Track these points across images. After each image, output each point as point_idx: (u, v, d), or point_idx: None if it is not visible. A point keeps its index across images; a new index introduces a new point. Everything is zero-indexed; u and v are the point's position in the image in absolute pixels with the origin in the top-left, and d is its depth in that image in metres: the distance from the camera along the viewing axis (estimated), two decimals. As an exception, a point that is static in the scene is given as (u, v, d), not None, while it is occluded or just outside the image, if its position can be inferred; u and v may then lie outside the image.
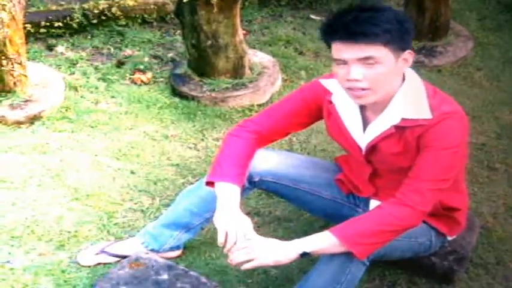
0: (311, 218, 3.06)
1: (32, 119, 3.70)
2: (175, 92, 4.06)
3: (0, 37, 3.55)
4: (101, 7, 4.63)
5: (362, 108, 2.39)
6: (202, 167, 3.42)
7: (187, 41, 3.99)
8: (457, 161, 2.32)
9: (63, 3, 4.76)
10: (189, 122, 3.81)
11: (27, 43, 3.95)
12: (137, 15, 4.75)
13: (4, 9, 3.52)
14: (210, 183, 2.48)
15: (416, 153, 2.31)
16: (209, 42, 3.89)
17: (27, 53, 3.98)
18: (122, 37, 4.64)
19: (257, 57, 4.25)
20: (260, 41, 4.69)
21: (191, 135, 3.71)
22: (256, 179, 2.65)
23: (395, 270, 2.80)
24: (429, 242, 2.59)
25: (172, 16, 4.65)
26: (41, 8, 4.69)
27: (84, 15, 4.60)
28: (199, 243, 2.96)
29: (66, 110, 3.83)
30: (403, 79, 2.30)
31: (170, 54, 4.51)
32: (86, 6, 4.66)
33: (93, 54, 4.47)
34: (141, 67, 4.31)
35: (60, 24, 4.55)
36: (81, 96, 3.99)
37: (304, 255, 2.26)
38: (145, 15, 4.79)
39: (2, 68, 3.65)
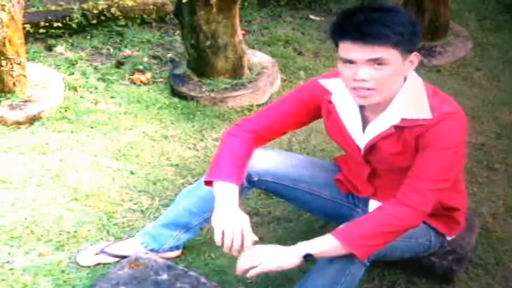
0: (310, 218, 3.07)
1: (32, 119, 3.70)
2: (174, 92, 4.06)
3: (-1, 37, 3.57)
4: (100, 7, 4.63)
5: (362, 108, 2.39)
6: (202, 167, 3.42)
7: (187, 41, 3.99)
8: (457, 161, 2.32)
9: (62, 3, 4.76)
10: (188, 122, 3.82)
11: (26, 43, 3.95)
12: (136, 16, 4.75)
13: (3, 10, 3.52)
14: (208, 183, 2.48)
15: (415, 153, 2.31)
16: (208, 43, 3.89)
17: (27, 53, 3.98)
18: (121, 37, 4.65)
19: (256, 58, 4.25)
20: (259, 41, 4.70)
21: (190, 136, 3.71)
22: (255, 179, 2.65)
23: (395, 270, 2.80)
24: (429, 242, 2.59)
25: (172, 16, 4.65)
26: (40, 8, 4.69)
27: (83, 15, 4.61)
28: (199, 243, 2.96)
29: (66, 110, 3.83)
30: (404, 79, 2.30)
31: (169, 55, 4.51)
32: (85, 6, 4.66)
33: (92, 55, 4.47)
34: (141, 67, 4.31)
35: (60, 24, 4.55)
36: (81, 97, 3.99)
37: (307, 257, 2.26)
38: (145, 16, 4.79)
39: (2, 68, 3.65)
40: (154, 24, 4.84)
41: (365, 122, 2.41)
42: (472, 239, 2.86)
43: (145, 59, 4.43)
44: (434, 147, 2.26)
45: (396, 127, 2.31)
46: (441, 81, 4.18)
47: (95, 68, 4.30)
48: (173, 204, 2.81)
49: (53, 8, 4.69)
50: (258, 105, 3.94)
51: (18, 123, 3.67)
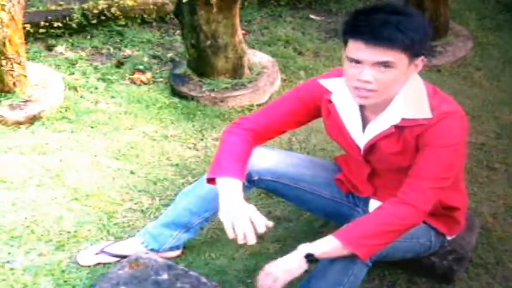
0: (311, 217, 3.07)
1: (32, 119, 3.70)
2: (174, 92, 4.06)
3: (-1, 37, 3.57)
4: (100, 7, 4.63)
5: (362, 107, 2.39)
6: (202, 167, 3.42)
7: (187, 41, 3.99)
8: (457, 160, 2.32)
9: (62, 3, 4.76)
10: (188, 122, 3.82)
11: (26, 43, 3.95)
12: (137, 15, 4.75)
13: (3, 9, 3.52)
14: (210, 181, 2.47)
15: (415, 152, 2.31)
16: (208, 42, 3.89)
17: (27, 53, 3.98)
18: (121, 37, 4.65)
19: (256, 57, 4.25)
20: (259, 41, 4.69)
21: (191, 135, 3.71)
22: (256, 178, 2.65)
23: (395, 270, 2.80)
24: (429, 242, 2.60)
25: (172, 16, 4.65)
26: (41, 8, 4.69)
27: (83, 15, 4.60)
28: (199, 243, 2.96)
29: (66, 110, 3.83)
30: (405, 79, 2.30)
31: (169, 54, 4.51)
32: (85, 6, 4.66)
33: (92, 54, 4.47)
34: (141, 67, 4.31)
35: (60, 24, 4.55)
36: (81, 97, 3.99)
37: (309, 257, 2.28)
38: (145, 15, 4.79)
39: (2, 68, 3.65)
40: (154, 24, 4.84)
41: (365, 122, 2.41)
42: (472, 238, 2.86)
43: (146, 59, 4.43)
44: (434, 146, 2.26)
45: (396, 127, 2.31)
46: (441, 81, 4.18)
47: (95, 68, 4.30)
48: (173, 204, 2.81)
49: (53, 7, 4.69)
50: (258, 105, 3.94)
51: (18, 123, 3.67)
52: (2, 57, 3.62)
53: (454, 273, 2.75)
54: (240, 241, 2.29)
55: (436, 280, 2.78)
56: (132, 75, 4.25)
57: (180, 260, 2.85)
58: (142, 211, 3.15)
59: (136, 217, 3.11)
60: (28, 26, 4.30)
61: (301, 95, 2.54)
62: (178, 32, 4.60)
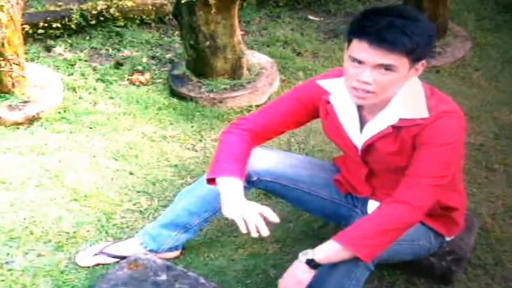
0: (310, 218, 3.07)
1: (31, 120, 3.70)
2: (173, 93, 4.06)
3: (-2, 38, 3.57)
4: (99, 8, 4.63)
5: (359, 108, 2.39)
6: (201, 167, 3.42)
7: (186, 42, 3.99)
8: (453, 158, 2.32)
9: (61, 4, 4.76)
10: (187, 123, 3.82)
11: (25, 44, 3.95)
12: (135, 16, 4.75)
13: (2, 10, 3.52)
14: (210, 181, 2.47)
15: (412, 152, 2.31)
16: (207, 43, 3.89)
17: (26, 53, 3.98)
18: (120, 38, 4.65)
19: (255, 58, 4.26)
20: (258, 41, 4.70)
21: (189, 136, 3.71)
22: (255, 179, 2.65)
23: (394, 271, 2.80)
24: (429, 244, 2.60)
25: (171, 17, 4.65)
26: (39, 9, 4.69)
27: (82, 16, 4.60)
28: (198, 243, 2.96)
29: (65, 111, 3.83)
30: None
31: (168, 55, 4.51)
32: (84, 7, 4.66)
33: (91, 55, 4.47)
34: (140, 68, 4.31)
35: (59, 25, 4.55)
36: (80, 97, 3.99)
37: (311, 263, 2.29)
38: (144, 16, 4.79)
39: (1, 69, 3.65)
40: (153, 24, 4.84)
41: (362, 122, 2.41)
42: (471, 239, 2.86)
43: (145, 60, 4.43)
44: (430, 144, 2.26)
45: (394, 127, 2.31)
46: (440, 81, 4.19)
47: (94, 69, 4.30)
48: (172, 205, 2.82)
49: (52, 8, 4.68)
50: (257, 106, 3.94)
51: (17, 124, 3.67)
52: (1, 58, 3.62)
53: (452, 274, 2.75)
54: (254, 234, 2.29)
55: (435, 281, 2.78)
56: (131, 76, 4.25)
57: (179, 261, 2.85)
58: (141, 212, 3.15)
59: (135, 218, 3.11)
60: (27, 27, 4.31)
61: (300, 95, 2.55)
62: (177, 32, 4.61)
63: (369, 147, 2.41)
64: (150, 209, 3.16)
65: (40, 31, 4.51)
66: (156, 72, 4.31)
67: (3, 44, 3.58)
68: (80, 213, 3.11)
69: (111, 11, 4.65)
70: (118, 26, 4.70)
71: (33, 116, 3.71)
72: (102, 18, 4.65)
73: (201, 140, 3.68)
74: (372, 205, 2.58)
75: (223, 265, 2.87)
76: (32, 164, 3.41)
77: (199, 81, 4.04)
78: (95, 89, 4.08)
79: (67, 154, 3.50)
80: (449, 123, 2.27)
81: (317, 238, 3.00)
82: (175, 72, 4.16)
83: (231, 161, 2.45)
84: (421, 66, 2.25)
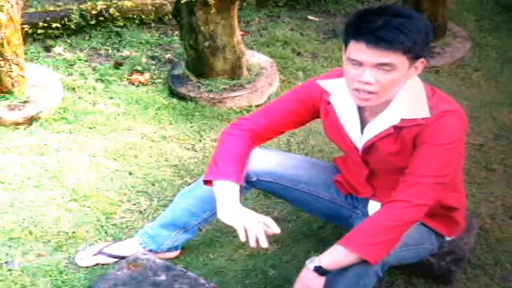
0: (309, 218, 3.07)
1: (30, 120, 3.70)
2: (173, 93, 4.06)
3: (-2, 38, 3.57)
4: (98, 8, 4.63)
5: (360, 108, 2.39)
6: (200, 167, 3.42)
7: (185, 42, 3.99)
8: (454, 157, 2.32)
9: (60, 4, 4.76)
10: (186, 123, 3.81)
11: (24, 44, 3.95)
12: (135, 16, 4.75)
13: (2, 10, 3.52)
14: (207, 182, 2.47)
15: (413, 152, 2.31)
16: (207, 43, 3.89)
17: (25, 54, 3.98)
18: (119, 38, 4.64)
19: (255, 58, 4.25)
20: (258, 42, 4.69)
21: (189, 136, 3.71)
22: (254, 179, 2.65)
23: (393, 271, 2.80)
24: (432, 245, 2.60)
25: (170, 17, 4.65)
26: (39, 9, 4.69)
27: (81, 16, 4.60)
28: (198, 243, 2.96)
29: (64, 111, 3.83)
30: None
31: (168, 55, 4.51)
32: (83, 7, 4.65)
33: (91, 55, 4.46)
34: (139, 68, 4.31)
35: (58, 25, 4.55)
36: (79, 97, 3.99)
37: (319, 270, 2.28)
38: (143, 16, 4.78)
39: (0, 69, 3.65)
40: (152, 24, 4.84)
41: (363, 123, 2.41)
42: (471, 239, 2.86)
43: (144, 60, 4.42)
44: (430, 143, 2.26)
45: (395, 127, 2.31)
46: (439, 81, 4.19)
47: (94, 69, 4.30)
48: (172, 205, 2.82)
49: (52, 8, 4.68)
50: (257, 106, 3.94)
51: (17, 124, 3.67)
52: (1, 58, 3.62)
53: (452, 274, 2.76)
54: (252, 244, 2.29)
55: (434, 281, 2.78)
56: (131, 76, 4.24)
57: (178, 261, 2.85)
58: (140, 212, 3.15)
59: (134, 218, 3.11)
60: (26, 27, 4.30)
61: (300, 95, 2.54)
62: (176, 32, 4.60)
63: (369, 147, 2.41)
64: (150, 209, 3.16)
65: (40, 31, 4.51)
66: (155, 72, 4.31)
67: (2, 44, 3.58)
68: (79, 213, 3.11)
69: (111, 11, 4.65)
70: (117, 26, 4.69)
71: (33, 116, 3.71)
72: (101, 18, 4.64)
73: (200, 140, 3.68)
74: (373, 205, 2.58)
75: (222, 265, 2.87)
76: (32, 164, 3.41)
77: (198, 81, 4.04)
78: (94, 89, 4.08)
79: (66, 154, 3.50)
80: (450, 122, 2.27)
81: (316, 238, 3.01)
82: (175, 72, 4.16)
83: (229, 164, 2.45)
84: (420, 64, 2.25)
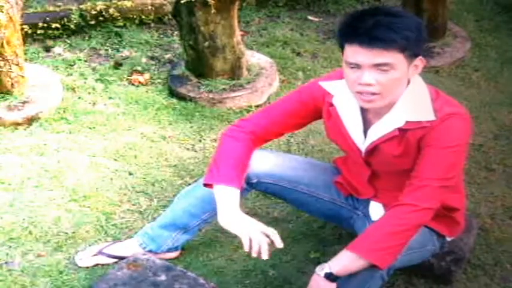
0: (309, 218, 3.07)
1: (30, 120, 3.70)
2: (172, 93, 4.06)
3: (-3, 38, 3.56)
4: (98, 8, 4.62)
5: (363, 110, 2.39)
6: (200, 168, 3.42)
7: (185, 42, 3.99)
8: (459, 160, 2.32)
9: (60, 4, 4.76)
10: (186, 123, 3.81)
11: (24, 44, 3.95)
12: (135, 16, 4.75)
13: (1, 11, 3.51)
14: (208, 185, 2.47)
15: (417, 154, 2.31)
16: (207, 43, 3.89)
17: (25, 54, 3.98)
18: (119, 38, 4.64)
19: (254, 58, 4.25)
20: (258, 42, 4.69)
21: (189, 136, 3.71)
22: (254, 181, 2.65)
23: (394, 271, 2.79)
24: (434, 246, 2.60)
25: (170, 17, 4.64)
26: (39, 9, 4.68)
27: (81, 16, 4.60)
28: (198, 244, 2.96)
29: (64, 111, 3.83)
30: (408, 82, 2.30)
31: (168, 55, 4.51)
32: (83, 7, 4.65)
33: (90, 55, 4.46)
34: (139, 68, 4.31)
35: (58, 25, 4.54)
36: (79, 98, 3.99)
37: (330, 276, 2.28)
38: (143, 16, 4.78)
39: (0, 69, 3.64)
40: (152, 25, 4.83)
41: (366, 125, 2.40)
42: (471, 239, 2.86)
43: (144, 60, 4.42)
44: (435, 146, 2.26)
45: (400, 129, 2.31)
46: (439, 82, 4.18)
47: (93, 69, 4.30)
48: (172, 205, 2.81)
49: (51, 8, 4.68)
50: (257, 106, 3.94)
51: (17, 124, 3.67)
52: (0, 59, 3.62)
53: (452, 274, 2.75)
54: (254, 254, 2.29)
55: (435, 281, 2.78)
56: (130, 76, 4.24)
57: (178, 261, 2.85)
58: (140, 212, 3.15)
59: (134, 218, 3.11)
60: (26, 27, 4.30)
61: (302, 97, 2.54)
62: (176, 33, 4.60)
63: (373, 149, 2.41)
64: (150, 209, 3.16)
65: (39, 31, 4.51)
66: (155, 72, 4.31)
67: (2, 45, 3.58)
68: (79, 213, 3.11)
69: (111, 11, 4.64)
70: (117, 26, 4.69)
71: (33, 116, 3.71)
72: (101, 19, 4.64)
73: (200, 140, 3.68)
74: (374, 206, 2.58)
75: (222, 265, 2.87)
76: (31, 164, 3.41)
77: (198, 82, 4.03)
78: (94, 89, 4.07)
79: (66, 154, 3.50)
80: (456, 125, 2.27)
81: (316, 238, 3.01)
82: (175, 72, 4.15)
83: (230, 168, 2.45)
84: (420, 62, 2.25)
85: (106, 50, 4.53)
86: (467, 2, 5.23)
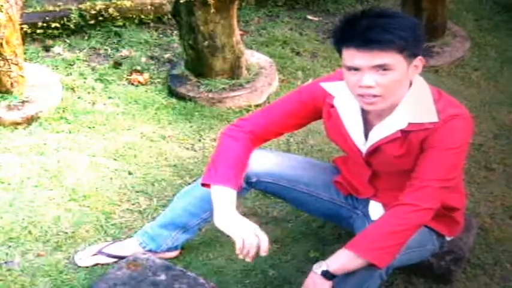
0: (308, 218, 3.07)
1: (29, 120, 3.70)
2: (172, 93, 4.06)
3: (-3, 38, 3.56)
4: (97, 8, 4.62)
5: (364, 111, 2.38)
6: (200, 167, 3.42)
7: (185, 42, 3.99)
8: (460, 160, 2.33)
9: (60, 3, 4.75)
10: (186, 123, 3.81)
11: (24, 44, 3.95)
12: (134, 16, 4.74)
13: (1, 10, 3.51)
14: (205, 184, 2.47)
15: (419, 155, 2.31)
16: (206, 43, 3.89)
17: (24, 53, 3.98)
18: (119, 38, 4.64)
19: (254, 58, 4.25)
20: (257, 41, 4.69)
21: (188, 136, 3.71)
22: (254, 180, 2.65)
23: (393, 271, 2.79)
24: (434, 246, 2.60)
25: (169, 17, 4.64)
26: (38, 9, 4.68)
27: (81, 15, 4.59)
28: (197, 243, 2.96)
29: (64, 111, 3.83)
30: (410, 83, 2.30)
31: (167, 55, 4.51)
32: (82, 6, 4.65)
33: (90, 55, 4.46)
34: (138, 68, 4.31)
35: (57, 24, 4.54)
36: (78, 97, 3.99)
37: (326, 274, 2.28)
38: (142, 16, 4.78)
39: (-1, 69, 3.65)
40: (152, 24, 4.83)
41: (368, 126, 2.40)
42: (470, 239, 2.86)
43: (143, 60, 4.42)
44: (438, 147, 2.26)
45: (402, 131, 2.31)
46: (439, 81, 4.18)
47: (93, 69, 4.30)
48: (171, 205, 2.81)
49: (51, 8, 4.67)
50: (256, 106, 3.94)
51: (16, 124, 3.67)
52: (0, 58, 3.62)
53: (451, 273, 2.76)
54: (241, 257, 2.31)
55: (434, 281, 2.78)
56: (130, 75, 4.24)
57: (178, 261, 2.85)
58: (140, 212, 3.15)
59: (134, 218, 3.11)
60: (26, 27, 4.30)
61: (302, 97, 2.54)
62: (175, 32, 4.60)
63: (374, 150, 2.41)
64: (149, 208, 3.16)
65: (39, 31, 4.50)
66: (154, 72, 4.31)
67: (1, 44, 3.58)
68: (78, 213, 3.11)
69: (110, 10, 4.64)
70: (117, 26, 4.68)
71: (32, 116, 3.71)
72: (100, 18, 4.64)
73: (200, 140, 3.68)
74: (374, 206, 2.58)
75: (222, 265, 2.87)
76: (31, 164, 3.41)
77: (198, 81, 4.03)
78: (93, 89, 4.07)
79: (66, 154, 3.50)
80: (458, 126, 2.27)
81: (316, 238, 3.01)
82: (174, 72, 4.15)
83: (228, 168, 2.45)
84: (420, 62, 2.25)
85: (105, 49, 4.52)
86: (467, 2, 5.23)
